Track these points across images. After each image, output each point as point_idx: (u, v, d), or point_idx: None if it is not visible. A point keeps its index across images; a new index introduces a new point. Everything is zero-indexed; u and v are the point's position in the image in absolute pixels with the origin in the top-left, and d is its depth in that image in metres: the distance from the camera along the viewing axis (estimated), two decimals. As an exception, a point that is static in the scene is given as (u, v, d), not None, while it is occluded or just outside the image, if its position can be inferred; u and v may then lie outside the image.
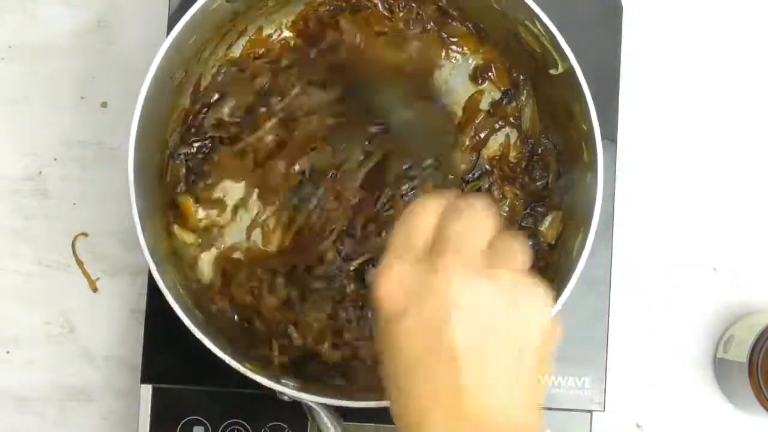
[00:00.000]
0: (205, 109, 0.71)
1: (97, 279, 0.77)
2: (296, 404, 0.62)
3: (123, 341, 0.77)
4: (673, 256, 0.77)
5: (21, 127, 0.78)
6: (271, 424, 0.70)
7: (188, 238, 0.70)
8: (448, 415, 0.46)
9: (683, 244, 0.77)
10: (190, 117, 0.70)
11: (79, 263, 0.77)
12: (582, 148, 0.65)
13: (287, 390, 0.61)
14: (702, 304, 0.77)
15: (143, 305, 0.72)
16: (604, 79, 0.72)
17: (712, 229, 0.78)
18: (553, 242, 0.69)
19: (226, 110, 0.70)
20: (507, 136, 0.72)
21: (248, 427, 0.70)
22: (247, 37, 0.72)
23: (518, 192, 0.71)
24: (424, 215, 0.50)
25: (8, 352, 0.77)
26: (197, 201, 0.70)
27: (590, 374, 0.71)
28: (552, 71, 0.65)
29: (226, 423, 0.70)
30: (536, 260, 0.69)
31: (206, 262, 0.71)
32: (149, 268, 0.61)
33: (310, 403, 0.61)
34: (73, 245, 0.77)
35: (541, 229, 0.70)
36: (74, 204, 0.78)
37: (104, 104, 0.79)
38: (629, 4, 0.75)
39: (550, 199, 0.70)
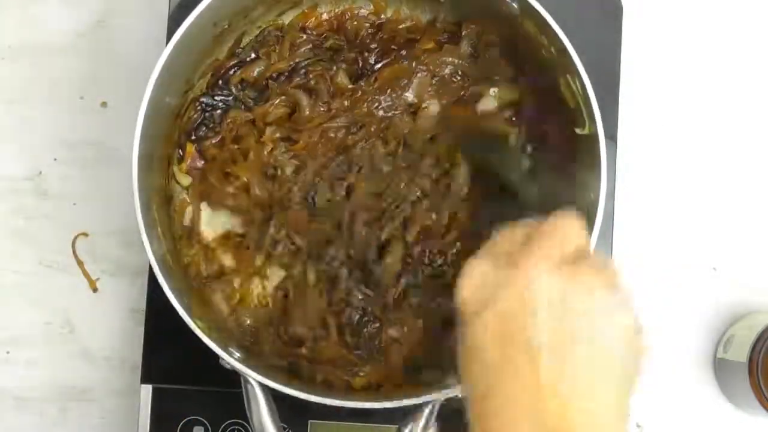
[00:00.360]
0: (238, 66, 0.71)
1: (97, 279, 0.77)
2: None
3: (123, 341, 0.77)
4: (673, 256, 0.77)
5: (21, 127, 0.78)
6: (271, 424, 0.70)
7: (185, 181, 0.70)
8: (528, 418, 0.44)
9: (683, 244, 0.77)
10: (222, 70, 0.71)
11: (79, 263, 0.77)
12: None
13: (231, 359, 0.60)
14: (702, 304, 0.77)
15: (143, 305, 0.72)
16: (604, 79, 0.72)
17: (712, 229, 0.78)
18: None
19: (256, 71, 0.71)
20: None
21: (248, 427, 0.70)
22: (300, 10, 0.72)
23: None
24: (512, 233, 0.51)
25: (8, 352, 0.77)
26: (202, 155, 0.71)
27: (590, 374, 0.70)
28: (578, 130, 0.65)
29: (226, 423, 0.70)
30: None
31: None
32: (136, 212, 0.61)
33: (249, 379, 0.61)
34: (73, 245, 0.77)
35: None
36: (74, 204, 0.78)
37: (104, 104, 0.79)
38: (629, 4, 0.75)
39: None
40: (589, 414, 0.45)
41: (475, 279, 0.48)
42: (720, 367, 0.76)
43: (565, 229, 0.49)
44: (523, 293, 0.46)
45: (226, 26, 0.68)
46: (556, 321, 0.46)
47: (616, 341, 0.47)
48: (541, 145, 0.72)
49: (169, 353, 0.70)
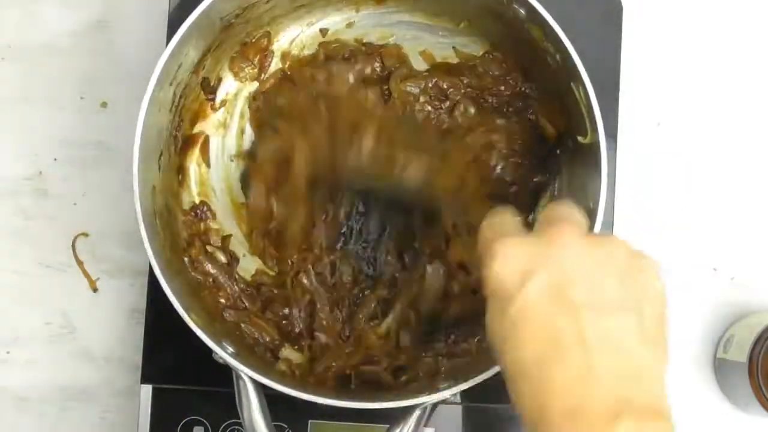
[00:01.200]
0: None
1: (97, 279, 0.77)
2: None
3: (123, 341, 0.77)
4: (673, 256, 0.77)
5: (21, 127, 0.78)
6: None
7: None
8: (575, 401, 0.45)
9: (683, 244, 0.77)
10: None
11: (79, 263, 0.77)
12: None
13: (223, 354, 0.60)
14: (702, 304, 0.77)
15: (143, 305, 0.72)
16: (604, 79, 0.72)
17: (712, 229, 0.78)
18: None
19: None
20: None
21: (248, 426, 0.70)
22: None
23: None
24: (505, 213, 0.52)
25: (8, 352, 0.77)
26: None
27: (590, 374, 0.70)
28: (580, 138, 0.65)
29: (226, 423, 0.70)
30: None
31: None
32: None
33: (240, 374, 0.61)
34: (73, 245, 0.77)
35: None
36: (74, 204, 0.78)
37: (104, 104, 0.79)
38: (629, 4, 0.75)
39: None
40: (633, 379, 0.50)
41: (508, 255, 0.47)
42: (720, 367, 0.76)
43: (572, 210, 0.51)
44: (564, 264, 0.47)
45: (227, 25, 0.68)
46: (599, 291, 0.47)
47: (651, 309, 0.51)
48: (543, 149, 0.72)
49: (169, 353, 0.71)
